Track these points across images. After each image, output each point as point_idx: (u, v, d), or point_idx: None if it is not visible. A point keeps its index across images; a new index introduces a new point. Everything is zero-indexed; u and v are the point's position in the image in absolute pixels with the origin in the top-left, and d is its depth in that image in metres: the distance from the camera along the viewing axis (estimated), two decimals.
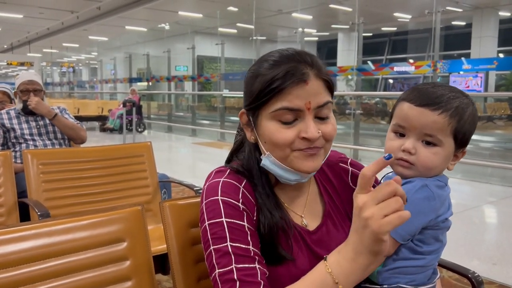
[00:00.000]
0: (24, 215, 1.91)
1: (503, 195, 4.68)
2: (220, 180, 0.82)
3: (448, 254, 3.03)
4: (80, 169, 1.99)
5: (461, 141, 0.81)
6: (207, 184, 0.84)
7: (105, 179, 2.04)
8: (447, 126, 0.78)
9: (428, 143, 0.80)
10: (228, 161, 0.93)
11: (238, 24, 14.69)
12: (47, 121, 2.65)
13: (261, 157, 0.84)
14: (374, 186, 0.94)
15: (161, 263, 1.71)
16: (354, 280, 0.70)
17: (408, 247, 0.79)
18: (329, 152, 0.84)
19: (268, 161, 0.82)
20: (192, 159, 7.92)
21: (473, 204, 4.36)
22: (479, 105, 12.98)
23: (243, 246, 0.76)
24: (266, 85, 0.77)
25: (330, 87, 0.81)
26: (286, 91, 0.76)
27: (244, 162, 0.87)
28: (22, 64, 21.90)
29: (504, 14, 13.73)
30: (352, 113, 7.35)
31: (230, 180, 0.82)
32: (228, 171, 0.85)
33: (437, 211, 0.78)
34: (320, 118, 0.79)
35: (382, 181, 0.88)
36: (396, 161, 0.82)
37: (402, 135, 0.83)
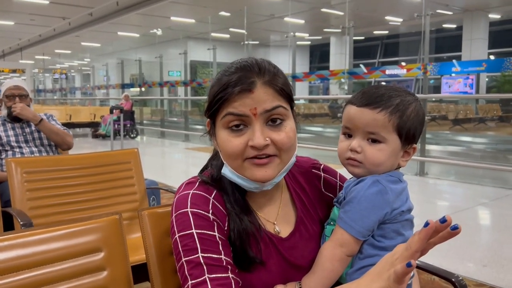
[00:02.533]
0: (9, 225, 1.89)
1: (495, 197, 4.70)
2: (190, 192, 0.82)
3: (439, 256, 3.04)
4: (65, 177, 1.97)
5: (406, 137, 0.84)
6: (176, 196, 0.83)
7: (91, 187, 2.02)
8: (387, 122, 0.81)
9: (373, 141, 0.83)
10: (205, 167, 0.92)
11: (231, 29, 14.71)
12: (33, 128, 2.63)
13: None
14: (341, 187, 0.94)
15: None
16: None
17: (370, 244, 0.81)
18: (291, 161, 0.82)
19: (227, 170, 0.82)
20: (185, 164, 7.89)
21: (465, 205, 4.37)
22: (470, 107, 13.08)
23: (215, 256, 0.75)
24: (216, 94, 0.78)
25: (286, 94, 0.80)
26: (232, 99, 0.76)
27: (216, 169, 0.87)
28: (14, 71, 21.78)
29: (494, 16, 13.86)
30: None
31: (199, 192, 0.82)
32: (198, 183, 0.84)
33: (392, 204, 0.80)
34: (273, 126, 0.78)
35: (344, 185, 0.89)
36: (346, 161, 0.86)
37: (350, 136, 0.86)
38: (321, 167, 0.98)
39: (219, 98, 0.77)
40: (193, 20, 13.70)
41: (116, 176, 2.11)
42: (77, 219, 0.99)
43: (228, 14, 12.78)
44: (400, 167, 0.88)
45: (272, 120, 0.78)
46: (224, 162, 0.82)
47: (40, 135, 2.64)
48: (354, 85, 8.78)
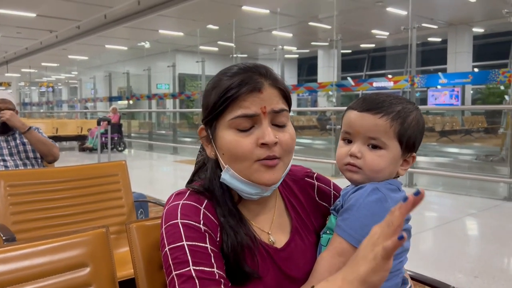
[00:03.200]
0: None
1: (483, 207, 4.72)
2: (180, 203, 0.79)
3: (430, 267, 3.03)
4: (50, 190, 1.92)
5: (407, 144, 0.83)
6: (166, 207, 0.80)
7: (77, 200, 1.97)
8: (389, 128, 0.81)
9: (374, 147, 0.82)
10: (190, 182, 0.89)
11: (219, 42, 14.76)
12: (18, 141, 2.58)
13: (221, 172, 0.82)
14: (335, 196, 0.93)
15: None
16: None
17: None
18: (290, 165, 0.82)
19: (227, 175, 0.80)
20: (173, 177, 7.82)
21: (454, 216, 4.39)
22: (456, 119, 13.26)
23: (207, 269, 0.72)
24: (222, 95, 0.76)
25: (286, 97, 0.81)
26: (241, 98, 0.76)
27: (206, 181, 0.84)
28: None
29: (477, 30, 14.14)
30: (333, 128, 7.37)
31: (190, 202, 0.79)
32: (188, 193, 0.82)
33: None
34: (277, 126, 0.78)
35: (341, 193, 0.87)
36: (345, 166, 0.84)
37: (350, 142, 0.85)
38: (315, 175, 0.96)
39: (226, 99, 0.76)
40: (181, 33, 13.73)
41: (104, 189, 2.06)
42: (62, 233, 0.95)
43: (216, 27, 12.83)
44: (399, 176, 0.87)
45: (278, 124, 0.78)
46: (226, 166, 0.80)
47: (26, 148, 2.58)
48: (342, 98, 8.83)
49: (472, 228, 4.15)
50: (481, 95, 14.66)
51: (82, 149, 10.77)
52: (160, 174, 8.29)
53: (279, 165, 0.78)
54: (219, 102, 0.77)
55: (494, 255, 3.17)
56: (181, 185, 0.89)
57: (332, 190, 0.95)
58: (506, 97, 12.54)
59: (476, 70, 14.26)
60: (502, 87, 12.75)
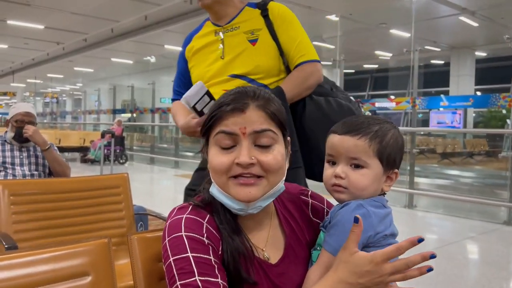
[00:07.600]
0: None
1: (483, 230, 4.71)
2: (183, 217, 0.82)
3: None
4: (53, 201, 1.94)
5: (387, 162, 0.87)
6: (169, 221, 0.83)
7: (79, 211, 1.99)
8: (368, 148, 0.85)
9: (356, 166, 0.87)
10: (199, 191, 0.92)
11: None
12: (31, 152, 2.61)
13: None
14: (328, 213, 0.95)
15: None
16: None
17: None
18: (279, 185, 0.84)
19: (215, 189, 0.84)
20: (173, 191, 7.81)
21: (453, 239, 4.37)
22: (458, 141, 13.29)
23: (212, 279, 0.75)
24: (211, 112, 0.83)
25: (277, 120, 0.83)
26: (224, 117, 0.81)
27: (206, 193, 0.87)
28: (4, 93, 21.66)
29: (480, 54, 14.28)
30: None
31: (193, 216, 0.82)
32: (190, 207, 0.85)
33: (375, 227, 0.82)
34: (261, 147, 0.81)
35: (330, 211, 0.90)
36: (332, 187, 0.89)
37: (334, 163, 0.89)
38: (309, 193, 0.99)
39: (212, 116, 0.82)
40: None
41: (105, 200, 2.09)
42: (64, 242, 0.97)
43: None
44: (385, 193, 0.90)
45: (261, 145, 0.81)
46: (212, 180, 0.84)
47: (37, 160, 2.61)
48: None
49: (471, 252, 4.14)
50: (483, 118, 14.71)
51: (84, 160, 10.81)
52: (161, 188, 8.30)
53: (261, 183, 0.81)
54: (208, 118, 0.83)
55: (492, 279, 3.16)
56: (181, 199, 0.91)
57: (325, 207, 0.98)
58: (508, 121, 12.58)
59: (478, 93, 14.35)
60: (504, 111, 12.81)
